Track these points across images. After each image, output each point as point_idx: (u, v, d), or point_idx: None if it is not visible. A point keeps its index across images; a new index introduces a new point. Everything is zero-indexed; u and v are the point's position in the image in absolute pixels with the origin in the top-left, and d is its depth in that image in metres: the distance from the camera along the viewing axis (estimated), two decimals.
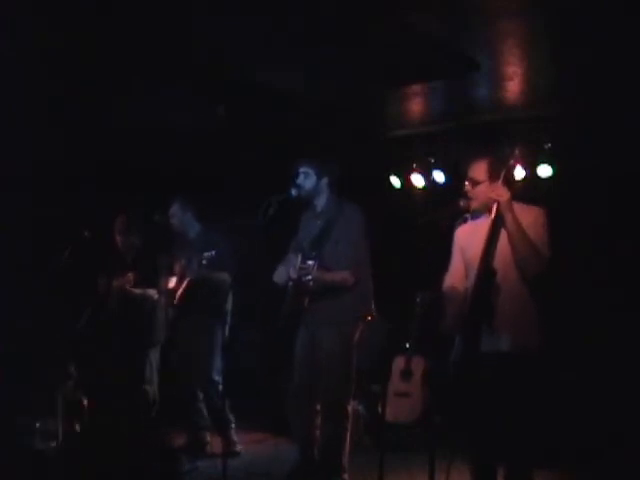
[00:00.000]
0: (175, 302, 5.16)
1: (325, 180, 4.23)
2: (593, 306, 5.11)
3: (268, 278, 5.64)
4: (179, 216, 5.31)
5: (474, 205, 3.44)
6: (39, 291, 5.67)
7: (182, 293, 5.12)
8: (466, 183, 3.46)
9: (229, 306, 5.24)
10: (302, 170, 4.22)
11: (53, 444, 4.99)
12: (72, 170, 6.05)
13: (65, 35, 4.25)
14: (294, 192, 4.21)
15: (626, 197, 5.08)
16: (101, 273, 5.42)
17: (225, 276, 5.05)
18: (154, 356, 5.37)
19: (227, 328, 5.25)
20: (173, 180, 6.40)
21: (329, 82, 5.13)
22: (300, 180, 4.22)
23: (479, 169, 3.42)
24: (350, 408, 4.22)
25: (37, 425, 5.13)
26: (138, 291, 5.31)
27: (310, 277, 4.04)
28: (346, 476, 4.18)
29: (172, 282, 5.19)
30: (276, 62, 4.76)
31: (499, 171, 3.38)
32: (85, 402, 5.26)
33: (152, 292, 5.31)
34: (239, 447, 5.22)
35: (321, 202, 4.27)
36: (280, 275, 4.33)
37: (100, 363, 5.40)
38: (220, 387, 5.15)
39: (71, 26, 4.16)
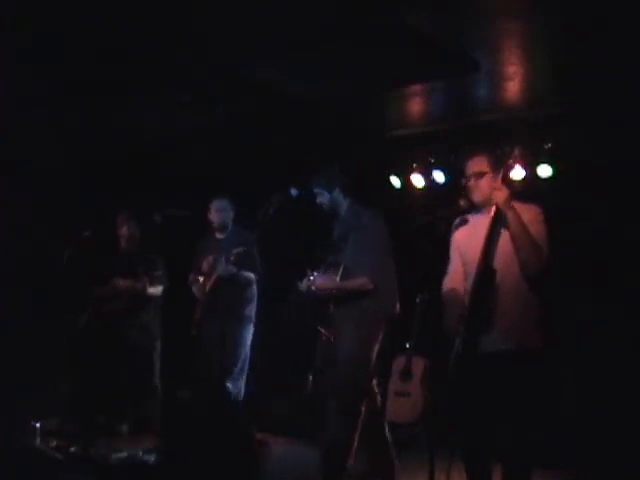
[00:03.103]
0: (203, 299, 5.22)
1: (337, 191, 4.33)
2: (593, 306, 5.11)
3: (267, 277, 5.66)
4: (227, 212, 5.34)
5: (478, 197, 3.43)
6: (40, 291, 5.68)
7: (210, 290, 5.17)
8: (464, 179, 3.45)
9: (253, 305, 5.33)
10: (315, 191, 4.36)
11: (53, 444, 4.99)
12: (72, 170, 6.06)
13: (65, 35, 4.26)
14: (294, 192, 4.26)
15: (626, 197, 5.08)
16: (108, 274, 5.50)
17: (251, 275, 5.18)
18: (157, 351, 5.48)
19: (252, 327, 5.32)
20: (173, 180, 6.41)
21: (329, 82, 5.13)
22: (318, 200, 4.36)
23: (481, 162, 3.43)
24: (363, 408, 4.24)
25: (37, 425, 5.14)
26: (152, 290, 5.41)
27: (314, 288, 4.20)
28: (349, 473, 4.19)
29: (200, 279, 5.25)
30: (276, 62, 4.76)
31: (498, 165, 3.40)
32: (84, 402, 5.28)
33: (158, 289, 5.49)
34: None
35: (342, 210, 4.37)
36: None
37: (106, 363, 5.46)
38: (241, 386, 5.25)
39: (71, 26, 4.17)
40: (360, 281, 4.13)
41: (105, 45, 4.40)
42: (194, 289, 5.32)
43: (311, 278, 4.24)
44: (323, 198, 4.33)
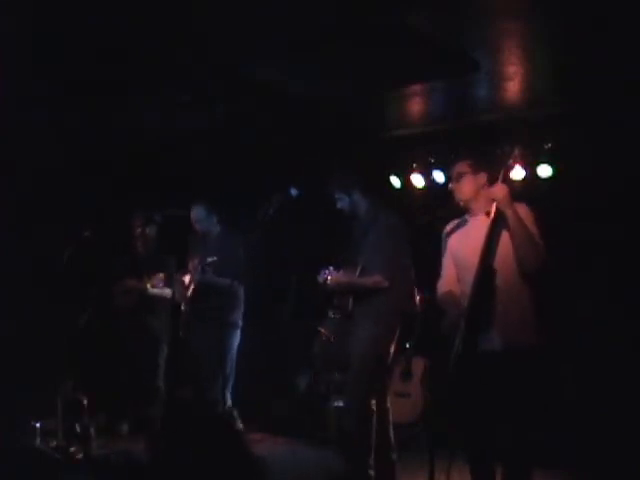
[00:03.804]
0: (186, 301, 5.20)
1: (356, 193, 4.38)
2: (593, 305, 5.11)
3: (267, 277, 5.64)
4: (205, 220, 5.27)
5: (459, 197, 3.53)
6: (40, 291, 5.68)
7: (191, 294, 5.15)
8: (450, 185, 3.53)
9: (238, 311, 5.26)
10: (336, 197, 4.41)
11: (53, 444, 4.99)
12: (72, 170, 6.06)
13: (65, 35, 4.25)
14: (294, 192, 4.28)
15: (626, 197, 5.08)
16: (116, 274, 5.51)
17: (228, 281, 5.04)
18: (163, 354, 5.47)
19: (238, 333, 5.27)
20: (173, 180, 6.42)
21: (329, 82, 5.13)
22: (339, 205, 4.41)
23: (462, 164, 3.54)
24: (373, 406, 4.25)
25: (37, 425, 5.13)
26: (156, 291, 5.40)
27: (328, 282, 4.31)
28: (371, 472, 4.19)
29: (187, 279, 5.21)
30: (276, 62, 4.76)
31: (482, 166, 3.45)
32: (85, 402, 5.27)
33: (168, 292, 5.49)
34: None
35: (362, 212, 4.42)
36: None
37: (106, 363, 5.45)
38: (227, 391, 5.17)
39: (71, 26, 4.16)
40: (374, 278, 4.18)
41: (105, 45, 4.40)
42: (174, 288, 5.27)
43: (326, 272, 4.32)
44: (343, 203, 4.39)
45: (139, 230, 5.63)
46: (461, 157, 3.57)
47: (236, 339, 5.26)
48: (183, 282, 5.19)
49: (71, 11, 3.97)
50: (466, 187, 3.48)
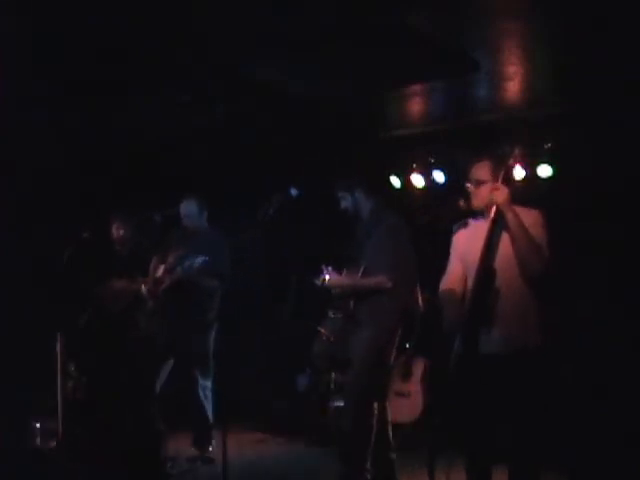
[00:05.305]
0: (157, 294, 5.05)
1: (359, 193, 4.39)
2: (593, 305, 5.11)
3: (267, 277, 5.63)
4: (196, 216, 5.16)
5: (476, 204, 3.45)
6: (40, 291, 5.67)
7: (167, 288, 4.99)
8: (467, 185, 3.47)
9: (215, 312, 5.15)
10: (339, 195, 4.44)
11: (53, 444, 4.99)
12: (72, 170, 6.05)
13: (65, 35, 4.26)
14: (294, 192, 4.28)
15: (626, 197, 5.08)
16: (106, 274, 5.48)
17: (215, 282, 4.98)
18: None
19: (213, 333, 5.19)
20: (173, 180, 6.42)
21: (329, 82, 5.13)
22: (342, 205, 4.44)
23: (483, 169, 3.43)
24: (375, 406, 4.25)
25: (37, 425, 5.13)
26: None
27: (326, 284, 4.33)
28: (368, 476, 4.19)
29: (160, 271, 5.06)
30: (276, 62, 4.76)
31: (500, 171, 3.40)
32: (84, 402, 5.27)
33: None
34: (212, 451, 5.08)
35: (365, 213, 4.42)
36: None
37: (106, 363, 5.44)
38: (208, 391, 5.11)
39: (71, 26, 4.17)
40: (377, 279, 4.19)
41: (105, 45, 4.40)
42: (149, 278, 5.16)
43: (325, 273, 4.33)
44: (347, 202, 4.40)
45: (114, 231, 5.52)
46: (480, 157, 3.47)
47: (211, 340, 5.12)
48: (155, 277, 5.05)
49: (71, 11, 3.97)
50: (485, 194, 3.41)
